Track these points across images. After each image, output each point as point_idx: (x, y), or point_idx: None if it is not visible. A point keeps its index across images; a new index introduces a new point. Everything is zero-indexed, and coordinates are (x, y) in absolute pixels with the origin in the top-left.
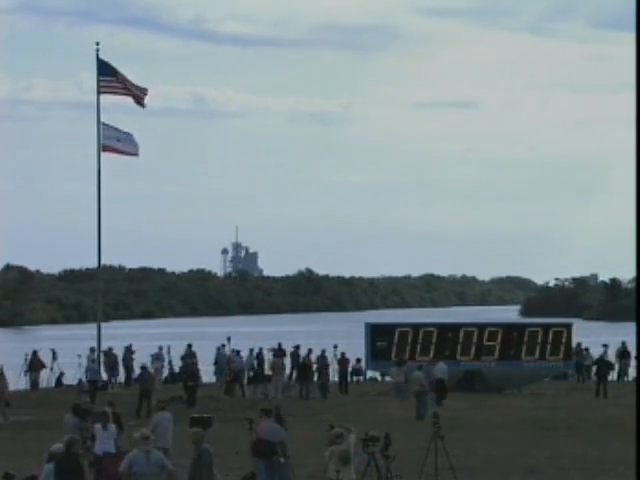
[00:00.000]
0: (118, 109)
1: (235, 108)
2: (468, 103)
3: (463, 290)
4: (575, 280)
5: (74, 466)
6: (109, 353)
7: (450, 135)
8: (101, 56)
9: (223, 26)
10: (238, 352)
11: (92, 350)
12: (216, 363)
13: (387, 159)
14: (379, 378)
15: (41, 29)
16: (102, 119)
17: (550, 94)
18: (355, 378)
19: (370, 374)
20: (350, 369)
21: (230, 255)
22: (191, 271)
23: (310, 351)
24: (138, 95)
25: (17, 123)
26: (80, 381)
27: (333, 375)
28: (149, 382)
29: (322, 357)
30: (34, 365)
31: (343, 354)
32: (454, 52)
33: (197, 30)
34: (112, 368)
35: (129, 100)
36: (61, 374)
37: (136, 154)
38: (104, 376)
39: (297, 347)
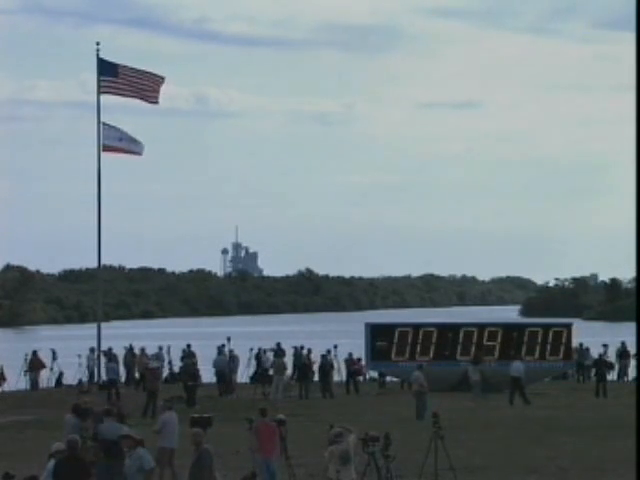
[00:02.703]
0: (120, 109)
1: (237, 108)
2: (470, 103)
3: (463, 290)
4: (575, 280)
5: (77, 467)
6: (109, 353)
7: (452, 135)
8: (104, 56)
9: (226, 26)
10: (220, 351)
11: (92, 350)
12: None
13: (389, 159)
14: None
15: (44, 30)
16: (104, 119)
17: (552, 94)
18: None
19: (370, 374)
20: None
21: (230, 255)
22: (191, 271)
23: (309, 351)
24: (147, 89)
25: (20, 123)
26: (80, 381)
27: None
28: (155, 382)
29: (324, 357)
30: (34, 365)
31: (351, 354)
32: (456, 52)
33: (200, 30)
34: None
35: (131, 100)
36: (61, 374)
37: (139, 153)
38: (104, 375)
39: (297, 347)
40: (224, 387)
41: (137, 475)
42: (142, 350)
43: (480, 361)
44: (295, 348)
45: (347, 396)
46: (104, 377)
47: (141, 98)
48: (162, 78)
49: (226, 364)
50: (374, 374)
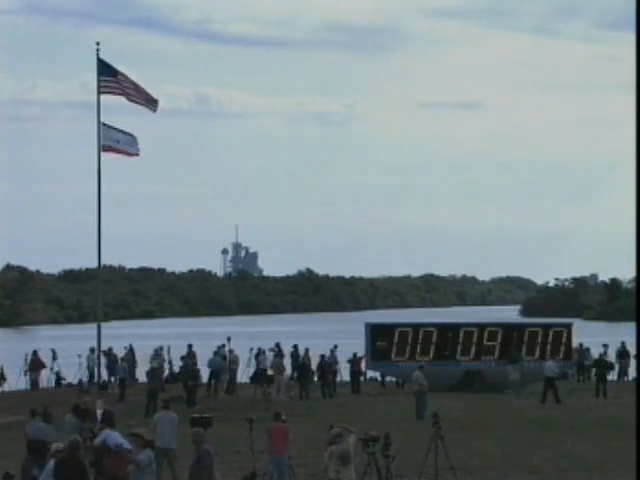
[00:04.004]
0: (121, 109)
1: (238, 108)
2: (471, 103)
3: (463, 290)
4: (575, 280)
5: (76, 467)
6: (109, 353)
7: (453, 135)
8: (106, 57)
9: (228, 27)
10: (216, 352)
11: (92, 350)
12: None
13: (389, 159)
14: (379, 378)
15: (45, 30)
16: (105, 119)
17: (553, 94)
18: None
19: (370, 374)
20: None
21: (230, 255)
22: (191, 271)
23: (307, 350)
24: (141, 99)
25: (21, 123)
26: (80, 381)
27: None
28: (157, 383)
29: (323, 357)
30: (34, 365)
31: (355, 354)
32: (457, 53)
33: (202, 31)
34: (112, 368)
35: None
36: (57, 374)
37: (136, 154)
38: (104, 375)
39: (296, 347)
40: (221, 386)
41: (137, 474)
42: (157, 351)
43: (519, 360)
44: (294, 348)
45: (347, 396)
46: (104, 377)
47: (139, 102)
48: (156, 101)
49: (220, 364)
50: (373, 374)
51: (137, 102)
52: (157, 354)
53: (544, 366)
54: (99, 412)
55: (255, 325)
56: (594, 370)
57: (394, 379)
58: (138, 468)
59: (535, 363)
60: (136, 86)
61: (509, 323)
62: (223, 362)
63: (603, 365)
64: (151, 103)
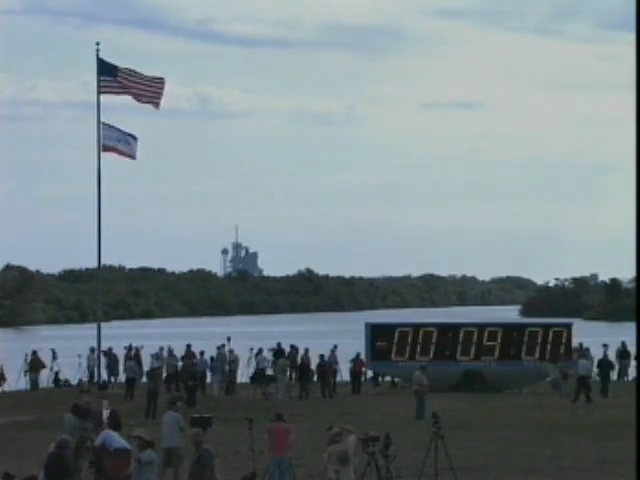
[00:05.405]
0: (121, 109)
1: (239, 108)
2: (473, 103)
3: (463, 290)
4: (575, 280)
5: (62, 466)
6: (109, 353)
7: (454, 135)
8: (107, 57)
9: (229, 27)
10: (202, 353)
11: (92, 350)
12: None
13: (390, 159)
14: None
15: (47, 30)
16: (105, 119)
17: (555, 94)
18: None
19: (370, 374)
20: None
21: (230, 255)
22: (191, 271)
23: (307, 351)
24: (147, 93)
25: (21, 123)
26: (80, 381)
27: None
28: (157, 383)
29: (322, 358)
30: (34, 365)
31: (358, 354)
32: (459, 53)
33: (203, 31)
34: (112, 368)
35: (132, 99)
36: (56, 374)
37: (133, 156)
38: (104, 375)
39: (293, 347)
40: (218, 385)
41: (139, 472)
42: (170, 351)
43: (558, 360)
44: (292, 348)
45: (347, 396)
46: (104, 377)
47: (140, 100)
48: (162, 80)
49: (207, 366)
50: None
51: (140, 99)
52: (171, 354)
53: (578, 364)
54: (105, 412)
55: (255, 325)
56: (598, 370)
57: (390, 379)
58: (140, 465)
59: (535, 363)
60: (141, 80)
61: (509, 323)
62: (215, 363)
63: (607, 365)
64: (156, 98)
